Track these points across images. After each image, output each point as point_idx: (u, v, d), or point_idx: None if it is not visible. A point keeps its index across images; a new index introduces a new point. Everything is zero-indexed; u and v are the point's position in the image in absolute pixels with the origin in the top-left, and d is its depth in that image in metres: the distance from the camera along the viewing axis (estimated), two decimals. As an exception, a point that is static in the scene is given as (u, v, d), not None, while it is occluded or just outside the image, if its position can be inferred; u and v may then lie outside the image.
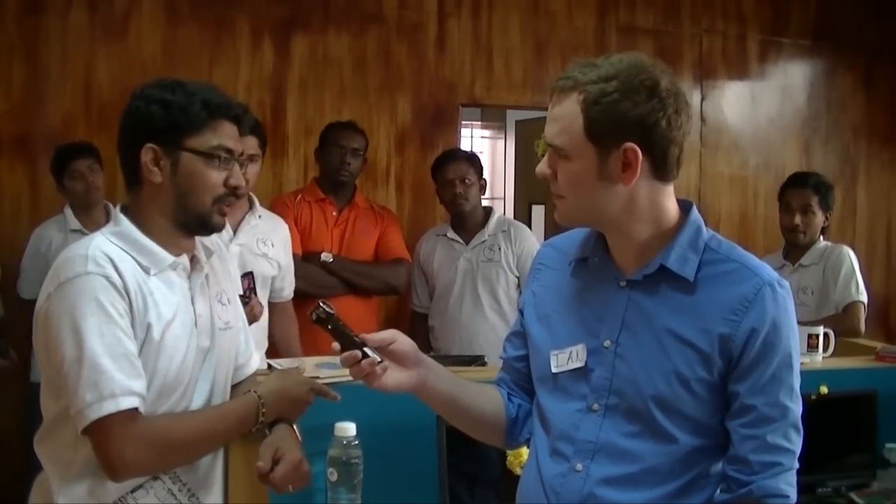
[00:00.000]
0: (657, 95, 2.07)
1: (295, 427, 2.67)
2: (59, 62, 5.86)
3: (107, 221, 2.65)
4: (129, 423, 2.32)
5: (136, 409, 2.33)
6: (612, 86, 2.06)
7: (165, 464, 2.46)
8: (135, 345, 2.36)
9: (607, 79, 2.07)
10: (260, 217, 4.50)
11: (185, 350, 2.49)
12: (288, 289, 4.70)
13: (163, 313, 2.44)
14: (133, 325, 2.37)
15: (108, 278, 2.35)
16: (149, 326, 2.40)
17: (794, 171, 5.95)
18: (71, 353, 2.32)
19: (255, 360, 2.90)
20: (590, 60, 2.13)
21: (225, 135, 2.49)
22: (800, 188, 5.31)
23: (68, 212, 5.30)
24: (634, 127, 2.06)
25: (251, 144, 4.17)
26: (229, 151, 2.50)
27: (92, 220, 5.21)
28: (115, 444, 2.33)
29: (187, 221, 2.51)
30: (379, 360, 2.19)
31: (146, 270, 2.44)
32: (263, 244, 4.44)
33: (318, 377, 3.37)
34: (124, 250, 2.44)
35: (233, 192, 2.53)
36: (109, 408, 2.29)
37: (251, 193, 4.48)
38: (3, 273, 5.17)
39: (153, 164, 2.45)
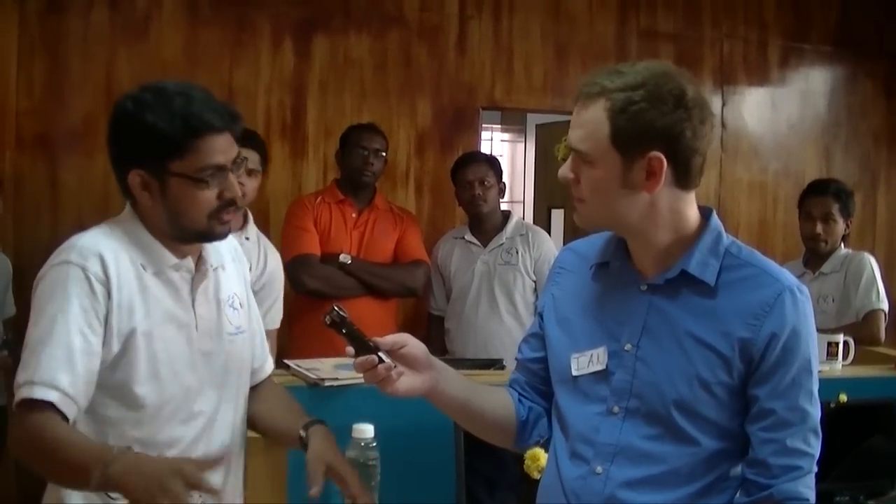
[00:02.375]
0: (683, 105, 2.07)
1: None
2: (80, 61, 5.87)
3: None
4: (29, 415, 2.26)
5: (48, 403, 2.25)
6: (639, 94, 2.06)
7: (36, 466, 2.30)
8: (96, 339, 2.32)
9: (634, 87, 2.07)
10: (247, 239, 4.37)
11: (182, 352, 2.47)
12: (274, 319, 4.45)
13: (153, 313, 2.42)
14: (108, 321, 2.35)
15: (85, 270, 2.34)
16: (132, 325, 2.38)
17: (813, 178, 5.95)
18: (27, 335, 2.33)
19: (271, 364, 2.88)
20: (616, 67, 2.14)
21: (212, 151, 2.39)
22: (820, 196, 5.29)
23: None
24: (660, 136, 2.07)
25: (252, 160, 4.15)
26: (219, 167, 2.41)
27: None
28: (13, 429, 2.32)
29: (185, 236, 2.49)
30: (393, 364, 2.20)
31: (143, 268, 2.44)
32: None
33: (336, 378, 3.38)
34: (125, 244, 2.44)
35: (229, 203, 2.47)
36: (23, 394, 2.27)
37: (247, 209, 4.44)
38: (22, 269, 5.20)
39: (142, 188, 2.42)
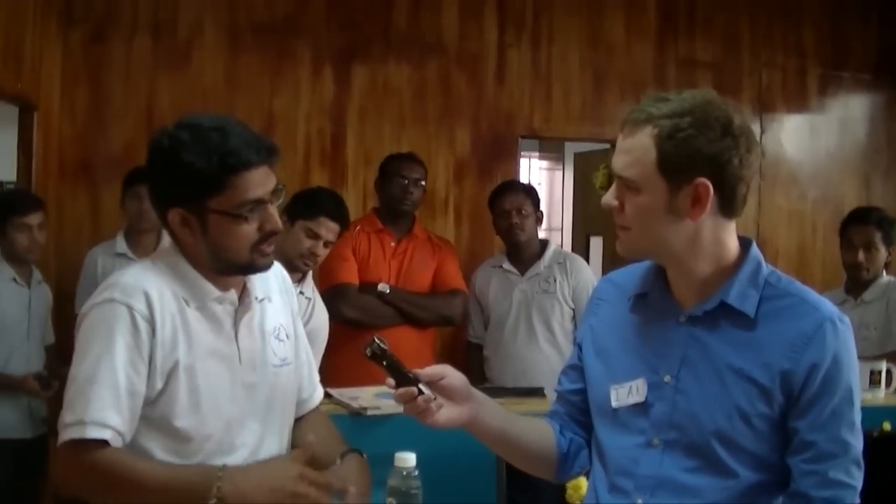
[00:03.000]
0: (731, 133, 2.07)
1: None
2: (122, 89, 5.97)
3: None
4: (86, 454, 2.30)
5: (102, 441, 2.29)
6: (686, 121, 2.06)
7: (103, 495, 2.38)
8: (140, 378, 2.35)
9: (682, 114, 2.07)
10: (301, 293, 4.38)
11: (225, 386, 2.47)
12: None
13: (195, 348, 2.43)
14: (152, 358, 2.36)
15: (130, 308, 2.35)
16: (175, 360, 2.39)
17: (853, 205, 5.91)
18: (71, 373, 2.35)
19: (320, 393, 2.87)
20: (661, 94, 2.14)
21: (250, 186, 2.38)
22: (862, 225, 5.25)
23: (119, 236, 5.40)
24: (707, 163, 2.07)
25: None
26: (258, 201, 2.41)
27: (141, 246, 5.29)
28: (65, 467, 2.35)
29: (228, 270, 2.49)
30: (433, 396, 2.21)
31: (186, 302, 2.44)
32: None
33: (378, 407, 3.39)
34: (168, 279, 2.45)
35: (271, 234, 2.46)
36: (73, 434, 2.29)
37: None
38: (63, 296, 5.26)
39: (182, 225, 2.42)
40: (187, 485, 2.30)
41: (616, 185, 2.18)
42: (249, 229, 2.42)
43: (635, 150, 2.11)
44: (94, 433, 2.29)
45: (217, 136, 2.36)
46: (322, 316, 4.53)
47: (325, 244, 4.28)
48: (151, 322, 2.36)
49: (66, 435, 2.31)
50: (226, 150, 2.35)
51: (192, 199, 2.39)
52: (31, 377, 4.92)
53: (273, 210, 2.47)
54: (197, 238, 2.43)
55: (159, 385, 2.38)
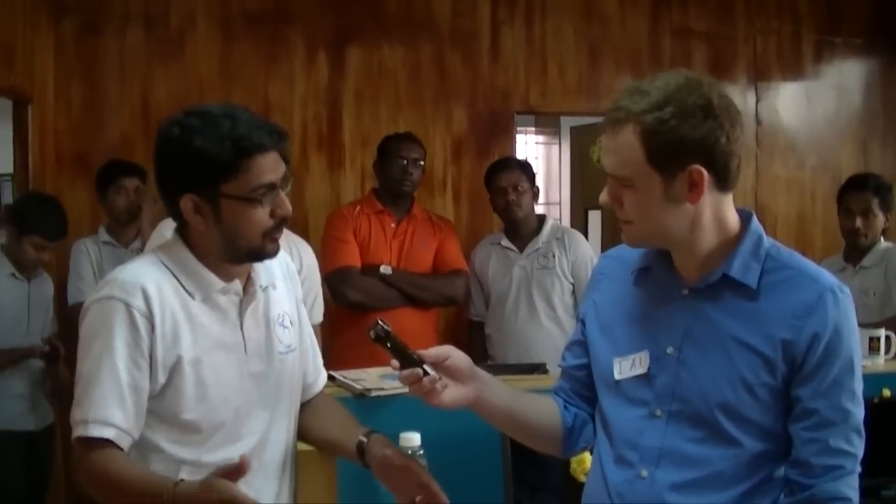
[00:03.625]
0: (712, 114, 2.08)
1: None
2: (116, 81, 5.96)
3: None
4: (89, 452, 2.34)
5: (105, 439, 2.33)
6: (667, 112, 2.06)
7: (105, 500, 2.42)
8: (142, 374, 2.37)
9: (660, 106, 2.07)
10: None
11: (232, 376, 2.49)
12: (316, 314, 4.63)
13: (201, 340, 2.44)
14: (153, 354, 2.38)
15: (128, 306, 2.36)
16: (178, 355, 2.40)
17: (851, 172, 5.92)
18: (77, 369, 2.39)
19: (324, 377, 2.88)
20: (636, 86, 2.14)
21: (262, 170, 2.39)
22: (859, 191, 5.27)
23: (101, 229, 5.49)
24: (696, 149, 2.08)
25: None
26: (271, 185, 2.42)
27: (123, 235, 5.39)
28: (77, 466, 2.39)
29: (239, 257, 2.49)
30: (438, 377, 2.23)
31: (191, 295, 2.45)
32: None
33: (382, 388, 3.40)
34: (171, 272, 2.46)
35: (283, 221, 2.47)
36: (79, 432, 2.34)
37: None
38: (63, 287, 5.31)
39: (194, 212, 2.42)
40: (147, 489, 2.28)
41: (610, 182, 2.19)
42: (262, 214, 2.42)
43: (622, 149, 2.12)
44: (96, 432, 2.32)
45: (228, 122, 2.37)
46: (308, 249, 4.65)
47: None
48: (150, 318, 2.37)
49: (75, 432, 2.36)
50: (238, 134, 2.36)
51: (205, 186, 2.39)
52: (40, 344, 5.01)
53: (284, 196, 2.47)
54: (209, 225, 2.43)
55: (162, 380, 2.39)
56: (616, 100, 2.15)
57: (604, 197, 2.21)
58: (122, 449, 2.35)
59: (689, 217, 2.15)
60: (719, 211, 2.18)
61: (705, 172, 2.09)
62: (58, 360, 4.97)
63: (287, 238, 4.50)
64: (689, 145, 2.07)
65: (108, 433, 2.33)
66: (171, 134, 2.40)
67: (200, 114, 2.41)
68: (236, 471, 2.18)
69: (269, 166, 2.41)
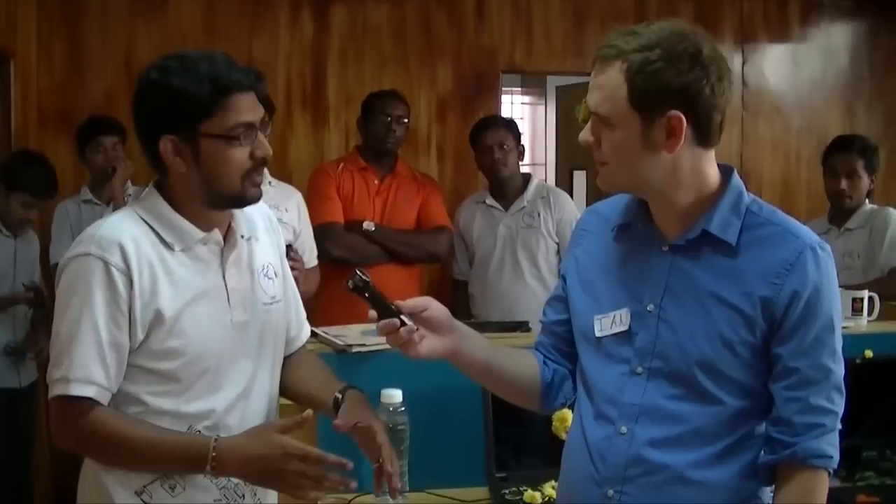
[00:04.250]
0: (700, 63, 2.08)
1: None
2: (99, 38, 5.92)
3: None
4: (71, 410, 2.34)
5: (87, 398, 2.33)
6: (655, 54, 2.07)
7: (96, 456, 2.46)
8: (121, 331, 2.36)
9: (650, 47, 2.08)
10: (270, 184, 4.45)
11: (214, 327, 2.47)
12: (309, 253, 4.79)
13: (182, 292, 2.42)
14: (132, 310, 2.36)
15: (105, 262, 2.34)
16: (157, 309, 2.38)
17: (837, 134, 5.90)
18: (54, 328, 2.39)
19: (307, 331, 2.86)
20: (631, 28, 2.14)
21: (241, 109, 2.39)
22: (844, 152, 5.26)
23: (84, 188, 5.47)
24: (678, 95, 2.08)
25: None
26: (249, 125, 2.41)
27: (105, 192, 5.33)
28: (56, 424, 2.40)
29: (219, 201, 2.47)
30: (416, 327, 2.22)
31: (170, 247, 2.43)
32: (277, 210, 4.34)
33: (364, 344, 3.40)
34: (149, 226, 2.44)
35: (262, 163, 2.46)
36: (59, 390, 2.33)
37: None
38: (47, 244, 5.29)
39: (174, 154, 2.40)
40: (182, 454, 2.38)
41: (591, 121, 2.19)
42: (241, 154, 2.41)
43: (607, 86, 2.13)
44: (78, 390, 2.32)
45: (206, 63, 2.38)
46: (297, 193, 4.93)
47: None
48: (128, 274, 2.35)
49: (53, 391, 2.35)
50: (216, 73, 2.37)
51: (183, 125, 2.38)
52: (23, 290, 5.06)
53: (262, 138, 2.47)
54: (189, 167, 2.41)
55: (141, 336, 2.38)
56: (609, 38, 2.15)
57: (584, 134, 2.21)
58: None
59: (665, 167, 2.14)
60: (699, 166, 2.17)
61: (685, 121, 2.09)
62: (43, 307, 4.96)
63: (280, 188, 4.61)
64: (671, 90, 2.07)
65: (89, 391, 2.32)
66: (149, 77, 2.41)
67: (179, 57, 2.42)
68: (297, 424, 2.27)
69: (248, 106, 2.41)
